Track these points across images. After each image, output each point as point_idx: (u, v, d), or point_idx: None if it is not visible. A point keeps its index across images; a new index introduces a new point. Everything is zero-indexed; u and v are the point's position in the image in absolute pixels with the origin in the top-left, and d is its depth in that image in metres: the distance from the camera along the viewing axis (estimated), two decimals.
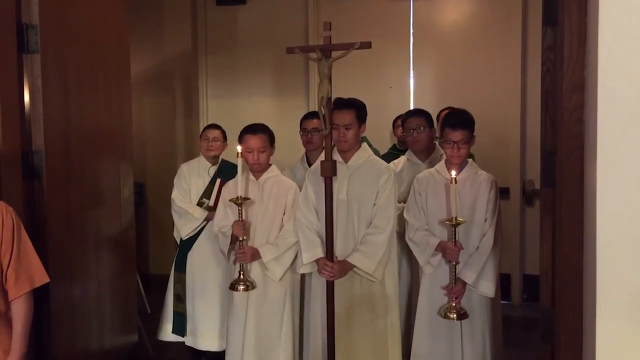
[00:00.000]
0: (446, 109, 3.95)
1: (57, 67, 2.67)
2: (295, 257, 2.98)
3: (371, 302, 2.86)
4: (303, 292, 3.15)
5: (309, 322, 3.11)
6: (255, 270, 2.98)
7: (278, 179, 3.08)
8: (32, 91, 2.51)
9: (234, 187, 2.96)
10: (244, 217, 2.89)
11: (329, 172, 2.70)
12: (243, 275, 2.90)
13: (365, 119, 2.94)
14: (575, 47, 1.69)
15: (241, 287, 2.89)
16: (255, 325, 2.99)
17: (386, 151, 4.02)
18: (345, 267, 2.79)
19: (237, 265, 2.93)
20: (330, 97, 2.63)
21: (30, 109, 2.52)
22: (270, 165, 3.11)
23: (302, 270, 2.93)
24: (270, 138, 3.04)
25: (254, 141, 2.96)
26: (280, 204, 3.01)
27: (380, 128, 4.55)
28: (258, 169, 3.02)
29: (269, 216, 3.01)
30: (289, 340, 3.02)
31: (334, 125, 2.80)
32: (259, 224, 3.01)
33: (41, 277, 2.00)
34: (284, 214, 3.01)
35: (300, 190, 3.05)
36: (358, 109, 2.88)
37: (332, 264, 2.74)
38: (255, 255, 2.93)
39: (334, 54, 2.62)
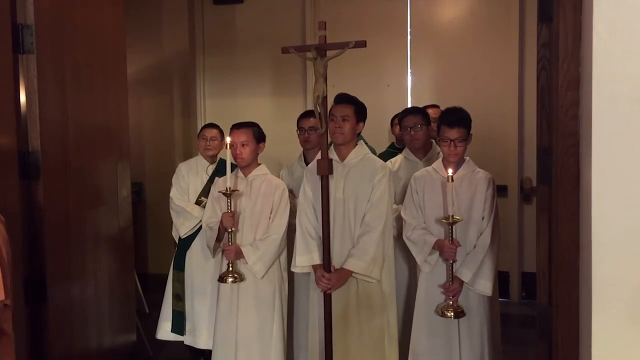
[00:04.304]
0: (430, 106, 3.94)
1: (53, 67, 2.67)
2: (281, 254, 3.04)
3: (368, 300, 2.87)
4: (291, 290, 3.17)
5: (299, 318, 3.12)
6: (244, 266, 3.00)
7: (267, 178, 3.10)
8: (28, 91, 2.51)
9: (223, 183, 2.99)
10: (232, 209, 2.91)
11: (325, 171, 2.71)
12: (232, 268, 2.92)
13: (364, 118, 2.95)
14: (570, 44, 1.70)
15: (230, 280, 2.91)
16: (245, 324, 3.01)
17: (384, 149, 4.01)
18: (343, 276, 2.79)
19: (226, 258, 2.96)
20: (326, 96, 2.64)
21: (26, 109, 2.52)
22: (260, 164, 3.15)
23: (297, 270, 2.95)
24: (256, 134, 3.07)
25: (237, 134, 3.03)
26: (268, 202, 3.03)
27: (377, 126, 4.54)
28: (242, 164, 3.06)
29: (256, 214, 3.03)
30: (279, 338, 3.04)
31: (332, 117, 2.82)
32: (246, 221, 3.04)
33: None
34: (271, 212, 3.03)
35: (290, 190, 3.08)
36: (357, 105, 2.90)
37: (329, 276, 2.75)
38: (239, 254, 2.95)
39: (329, 53, 2.62)
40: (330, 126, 2.82)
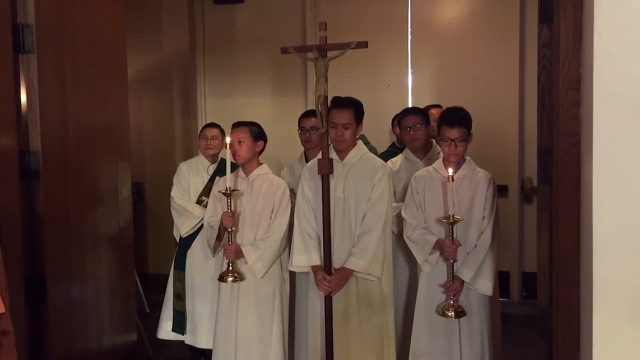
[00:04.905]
0: (433, 106, 3.95)
1: (54, 67, 2.67)
2: (282, 253, 3.04)
3: (368, 299, 2.87)
4: (292, 290, 3.17)
5: (299, 318, 3.12)
6: (244, 266, 3.01)
7: (268, 178, 3.11)
8: (29, 91, 2.51)
9: (223, 182, 3.00)
10: (232, 208, 2.91)
11: (326, 170, 2.71)
12: (232, 267, 2.93)
13: (362, 118, 2.94)
14: (571, 44, 1.70)
15: (230, 279, 2.92)
16: (245, 324, 3.01)
17: (385, 149, 4.02)
18: (344, 276, 2.79)
19: (226, 257, 2.97)
20: (327, 95, 2.64)
21: (26, 109, 2.52)
22: (262, 164, 3.16)
23: (294, 269, 2.95)
24: (254, 132, 3.08)
25: (234, 133, 3.07)
26: (269, 202, 3.04)
27: (378, 126, 4.54)
28: (239, 161, 3.07)
29: (257, 213, 3.04)
30: (279, 338, 3.04)
31: (332, 124, 2.81)
32: (247, 220, 3.04)
33: None
34: (272, 212, 3.04)
35: (291, 190, 3.08)
36: (356, 109, 2.88)
37: (330, 278, 2.75)
38: (239, 253, 2.96)
39: (330, 53, 2.62)
40: (331, 134, 2.82)
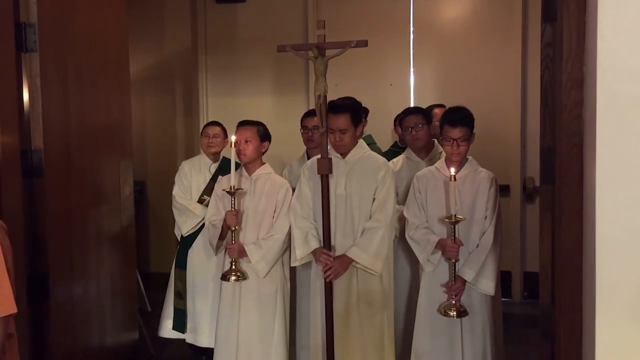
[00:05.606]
0: (436, 105, 3.95)
1: (56, 66, 2.67)
2: (284, 253, 3.05)
3: (369, 297, 2.87)
4: (293, 289, 3.17)
5: (301, 317, 3.12)
6: (247, 265, 3.01)
7: (271, 177, 3.11)
8: (31, 90, 2.52)
9: (227, 181, 3.00)
10: (236, 207, 2.92)
11: (325, 170, 2.71)
12: (235, 266, 2.93)
13: (362, 119, 2.93)
14: (574, 44, 1.69)
15: (233, 278, 2.92)
16: (247, 323, 3.01)
17: (387, 149, 4.01)
18: (344, 262, 2.80)
19: (229, 256, 2.97)
20: (327, 94, 2.63)
21: (29, 108, 2.52)
22: (264, 163, 3.15)
23: (297, 264, 2.95)
24: (261, 132, 3.07)
25: (241, 131, 3.04)
26: (272, 201, 3.04)
27: (380, 126, 4.54)
28: (244, 160, 3.06)
29: (259, 213, 3.04)
30: (281, 337, 3.04)
31: (330, 130, 2.79)
32: (249, 220, 3.04)
33: (7, 308, 1.71)
34: (274, 211, 3.04)
35: (293, 189, 3.07)
36: (353, 112, 2.84)
37: (332, 263, 2.75)
38: (242, 252, 2.96)
39: (330, 52, 2.61)
40: (330, 139, 2.81)
